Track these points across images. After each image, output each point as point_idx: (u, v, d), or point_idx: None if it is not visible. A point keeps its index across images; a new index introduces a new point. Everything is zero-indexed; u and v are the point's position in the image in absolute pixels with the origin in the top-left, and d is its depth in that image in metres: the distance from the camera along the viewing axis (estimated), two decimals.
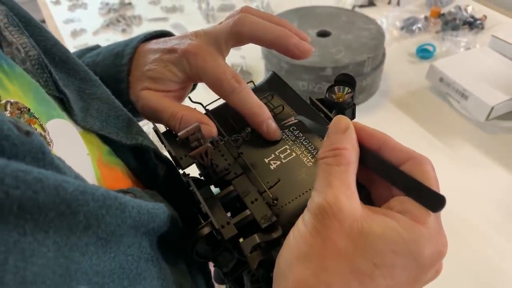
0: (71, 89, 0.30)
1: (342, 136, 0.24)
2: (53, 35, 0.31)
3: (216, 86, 0.32)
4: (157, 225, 0.25)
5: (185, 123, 0.32)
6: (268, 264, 0.30)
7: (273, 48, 0.33)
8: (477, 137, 0.74)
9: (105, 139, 0.30)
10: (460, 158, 0.71)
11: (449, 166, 0.70)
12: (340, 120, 0.25)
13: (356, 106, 0.33)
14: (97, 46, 0.42)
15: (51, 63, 0.30)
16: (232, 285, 0.33)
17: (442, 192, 0.23)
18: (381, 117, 0.80)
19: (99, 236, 0.20)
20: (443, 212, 0.23)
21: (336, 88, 0.33)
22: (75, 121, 0.28)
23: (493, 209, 0.63)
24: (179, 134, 0.26)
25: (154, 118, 0.34)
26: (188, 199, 0.32)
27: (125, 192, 0.26)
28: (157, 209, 0.25)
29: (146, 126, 0.74)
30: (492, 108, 0.72)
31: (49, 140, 0.23)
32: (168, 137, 0.32)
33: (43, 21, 1.20)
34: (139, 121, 0.45)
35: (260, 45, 0.33)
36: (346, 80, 0.32)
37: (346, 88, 0.32)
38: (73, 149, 0.26)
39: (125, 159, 0.32)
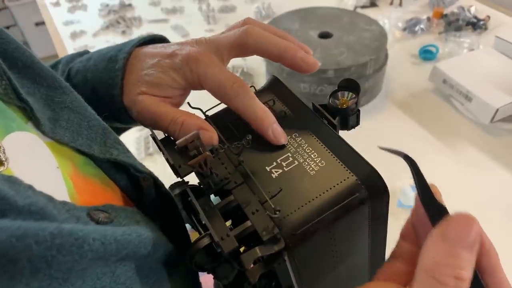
0: (37, 97, 0.28)
1: (469, 257, 0.21)
2: (15, 38, 0.29)
3: (219, 92, 0.31)
4: (132, 251, 0.23)
5: (186, 129, 0.31)
6: (271, 274, 0.29)
7: (279, 62, 0.32)
8: (481, 140, 0.73)
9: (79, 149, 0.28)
10: (464, 161, 0.70)
11: (453, 169, 0.69)
12: (469, 226, 0.21)
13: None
14: (86, 52, 0.40)
15: (12, 68, 0.27)
16: None
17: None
18: (383, 119, 0.79)
19: (54, 276, 0.18)
20: None
21: (339, 94, 0.32)
22: (43, 132, 0.26)
23: (498, 212, 0.62)
24: (177, 142, 0.25)
25: (152, 124, 0.33)
26: (175, 211, 0.31)
27: (99, 210, 0.24)
28: (128, 235, 0.23)
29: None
30: (497, 110, 0.71)
31: (3, 159, 0.21)
32: (166, 144, 0.31)
33: (43, 23, 1.19)
34: (127, 128, 0.42)
35: (264, 57, 0.33)
36: (349, 85, 0.31)
37: (350, 94, 0.31)
38: (39, 164, 0.24)
39: (105, 169, 0.30)
